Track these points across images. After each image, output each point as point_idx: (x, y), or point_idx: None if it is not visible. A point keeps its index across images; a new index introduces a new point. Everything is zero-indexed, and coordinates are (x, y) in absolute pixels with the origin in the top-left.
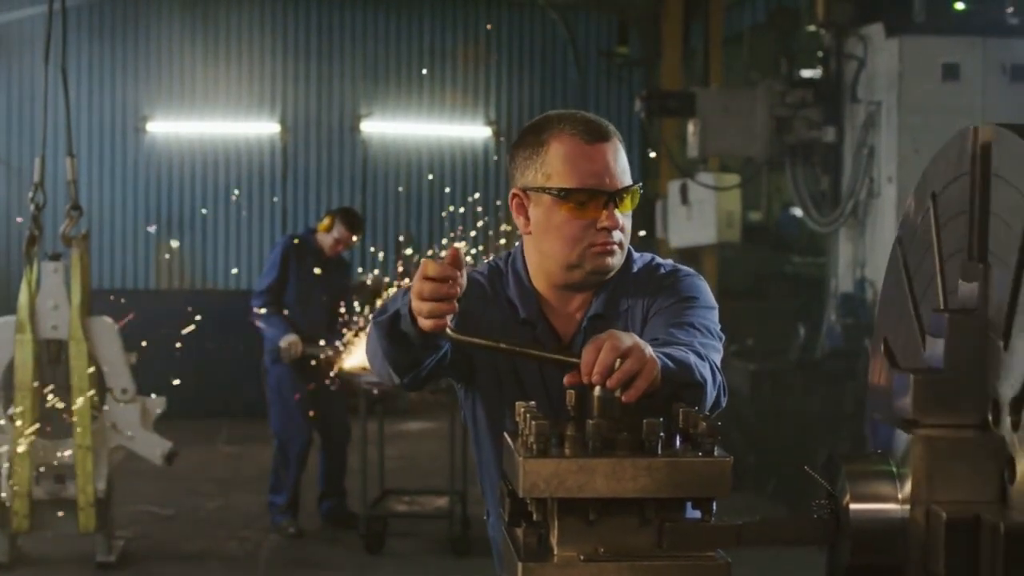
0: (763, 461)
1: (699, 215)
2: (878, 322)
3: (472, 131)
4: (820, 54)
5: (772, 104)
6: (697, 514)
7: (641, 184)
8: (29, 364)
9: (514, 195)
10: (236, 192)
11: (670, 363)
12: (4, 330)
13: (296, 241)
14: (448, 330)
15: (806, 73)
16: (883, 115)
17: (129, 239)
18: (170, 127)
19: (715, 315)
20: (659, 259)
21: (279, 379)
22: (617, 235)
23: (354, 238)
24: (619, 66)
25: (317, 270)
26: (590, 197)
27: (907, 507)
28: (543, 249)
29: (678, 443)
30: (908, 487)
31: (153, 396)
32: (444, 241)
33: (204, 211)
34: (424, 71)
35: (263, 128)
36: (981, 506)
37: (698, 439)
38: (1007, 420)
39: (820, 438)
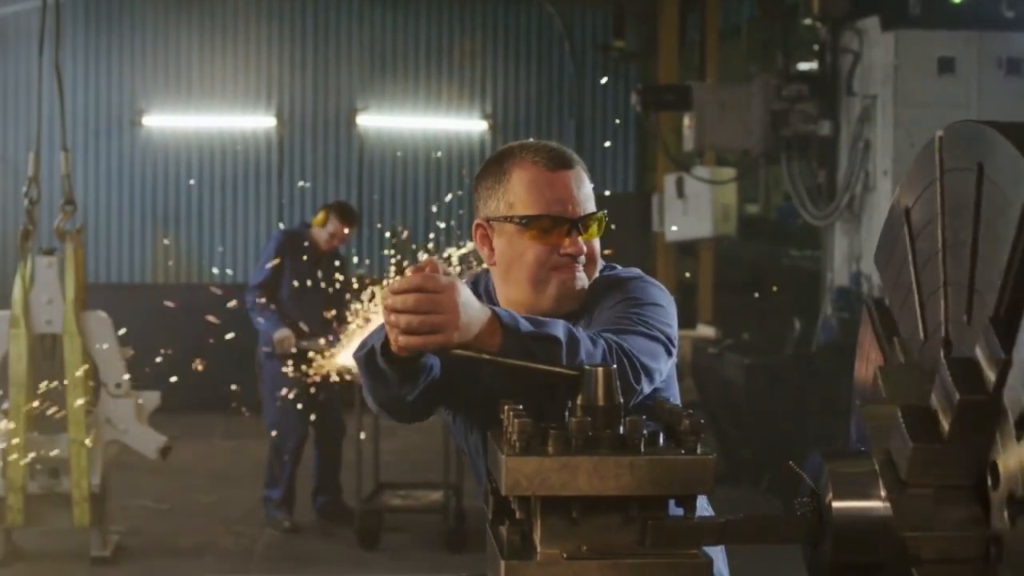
0: (758, 455)
1: (695, 209)
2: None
3: (468, 125)
4: (816, 48)
5: (768, 98)
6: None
7: (606, 212)
8: (23, 359)
9: (478, 226)
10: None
11: (520, 326)
12: None
13: (291, 235)
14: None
15: (802, 67)
16: (879, 109)
17: (125, 233)
18: (166, 121)
19: (658, 311)
20: (622, 271)
21: (274, 374)
22: (582, 260)
23: (348, 232)
24: (615, 60)
25: (312, 265)
26: (553, 224)
27: (890, 504)
28: (509, 279)
29: (661, 440)
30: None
31: (147, 391)
32: (431, 236)
33: (200, 205)
34: (421, 65)
35: (259, 122)
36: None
37: (681, 436)
38: (1004, 513)
39: (815, 433)
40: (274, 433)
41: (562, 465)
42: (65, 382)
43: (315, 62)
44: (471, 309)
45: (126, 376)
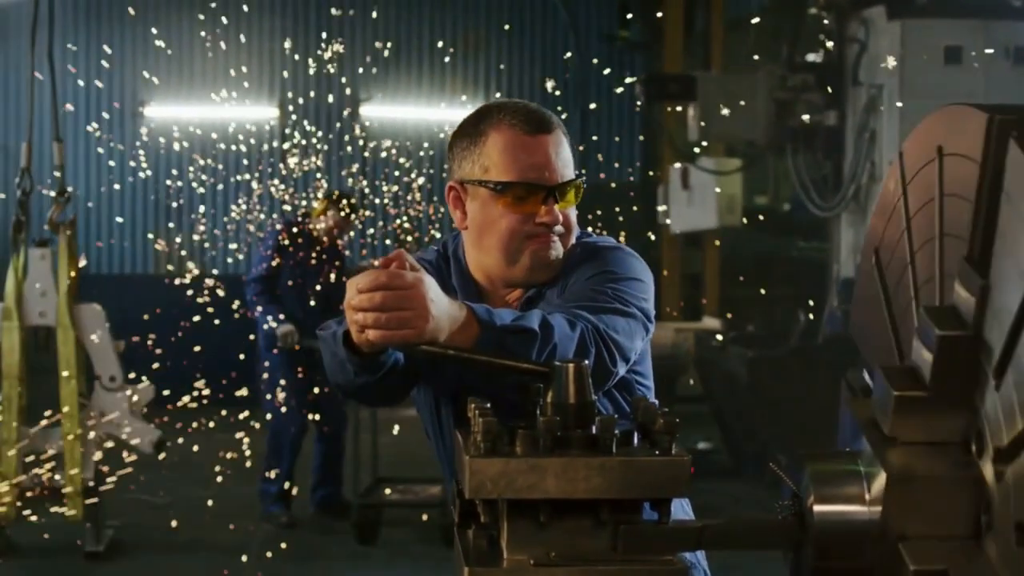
0: (762, 450)
1: (700, 200)
2: (853, 311)
3: None
4: (821, 37)
5: (773, 88)
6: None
7: (584, 177)
8: (16, 351)
9: (450, 188)
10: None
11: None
12: None
13: (290, 227)
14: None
15: (810, 57)
16: (885, 99)
17: (127, 224)
18: (168, 112)
19: (636, 286)
20: (600, 239)
21: (273, 366)
22: (558, 229)
23: (348, 222)
24: (621, 50)
25: (312, 256)
26: (529, 191)
27: (875, 509)
28: (481, 245)
29: (636, 440)
30: (876, 488)
31: (143, 383)
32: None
33: (202, 196)
34: (425, 55)
35: (262, 112)
36: (955, 544)
37: (656, 436)
38: (989, 466)
39: (820, 426)
40: (272, 426)
41: (529, 467)
42: (65, 374)
43: (319, 52)
44: (441, 304)
45: (120, 369)
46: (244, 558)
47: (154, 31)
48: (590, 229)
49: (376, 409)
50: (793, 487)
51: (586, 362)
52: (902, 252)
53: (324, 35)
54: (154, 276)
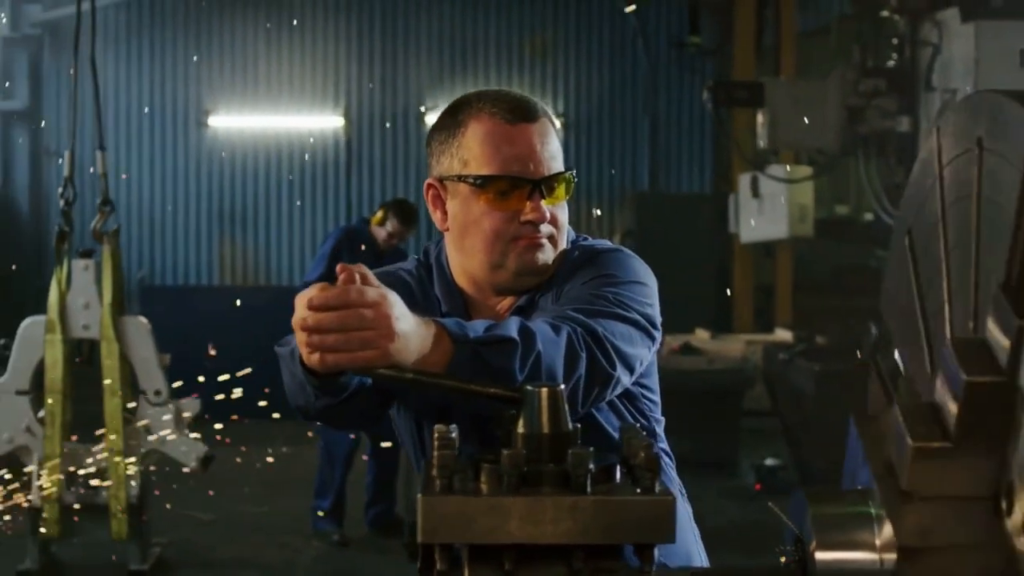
0: (831, 466)
1: (770, 209)
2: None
3: None
4: (894, 41)
5: (844, 93)
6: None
7: (574, 171)
8: (60, 365)
9: (429, 186)
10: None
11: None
12: (34, 329)
13: (350, 233)
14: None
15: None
16: None
17: (192, 234)
18: (232, 121)
19: (639, 290)
20: (598, 242)
21: None
22: (546, 228)
23: (407, 230)
24: (691, 56)
25: (371, 264)
26: (512, 186)
27: (887, 556)
28: (463, 247)
29: (618, 477)
30: (887, 533)
31: (187, 399)
32: None
33: (267, 205)
34: (491, 62)
35: (327, 121)
36: None
37: (637, 472)
38: (1018, 516)
39: None
40: (324, 438)
41: (490, 507)
42: (109, 387)
43: (383, 60)
44: (407, 322)
45: (165, 383)
46: None
47: (219, 39)
48: (586, 235)
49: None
50: (796, 530)
51: (562, 386)
52: (935, 248)
53: (389, 42)
54: (218, 287)
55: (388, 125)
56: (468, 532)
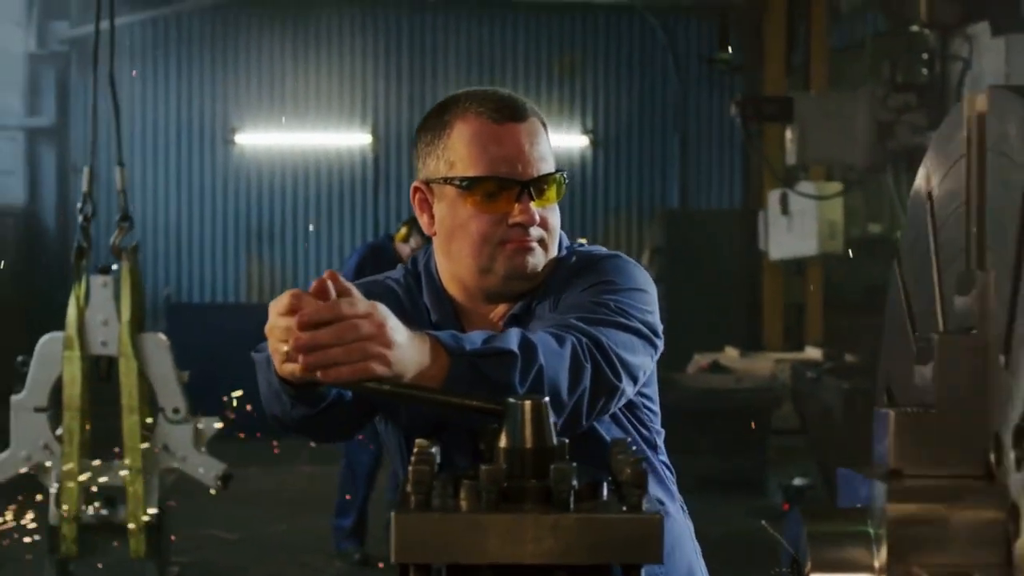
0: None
1: (800, 226)
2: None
3: (568, 140)
4: (925, 56)
5: (874, 109)
6: None
7: (565, 172)
8: (77, 382)
9: (415, 189)
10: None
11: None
12: (52, 346)
13: (375, 249)
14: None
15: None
16: None
17: (219, 252)
18: (259, 138)
19: (640, 297)
20: (595, 248)
21: None
22: (535, 231)
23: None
24: (721, 72)
25: None
26: (500, 187)
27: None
28: (451, 252)
29: (605, 493)
30: (886, 552)
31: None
32: None
33: (294, 223)
34: (519, 79)
35: (354, 139)
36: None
37: (624, 489)
38: (1011, 457)
39: None
40: (346, 456)
41: (467, 525)
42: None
43: (411, 77)
44: (400, 334)
45: (184, 401)
46: None
47: (246, 57)
48: (584, 240)
49: None
50: (791, 550)
51: (546, 399)
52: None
53: (417, 60)
54: (244, 305)
55: (414, 141)
56: (444, 551)
